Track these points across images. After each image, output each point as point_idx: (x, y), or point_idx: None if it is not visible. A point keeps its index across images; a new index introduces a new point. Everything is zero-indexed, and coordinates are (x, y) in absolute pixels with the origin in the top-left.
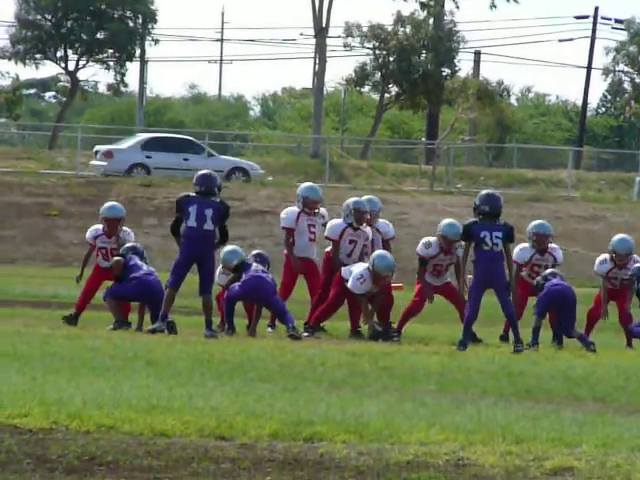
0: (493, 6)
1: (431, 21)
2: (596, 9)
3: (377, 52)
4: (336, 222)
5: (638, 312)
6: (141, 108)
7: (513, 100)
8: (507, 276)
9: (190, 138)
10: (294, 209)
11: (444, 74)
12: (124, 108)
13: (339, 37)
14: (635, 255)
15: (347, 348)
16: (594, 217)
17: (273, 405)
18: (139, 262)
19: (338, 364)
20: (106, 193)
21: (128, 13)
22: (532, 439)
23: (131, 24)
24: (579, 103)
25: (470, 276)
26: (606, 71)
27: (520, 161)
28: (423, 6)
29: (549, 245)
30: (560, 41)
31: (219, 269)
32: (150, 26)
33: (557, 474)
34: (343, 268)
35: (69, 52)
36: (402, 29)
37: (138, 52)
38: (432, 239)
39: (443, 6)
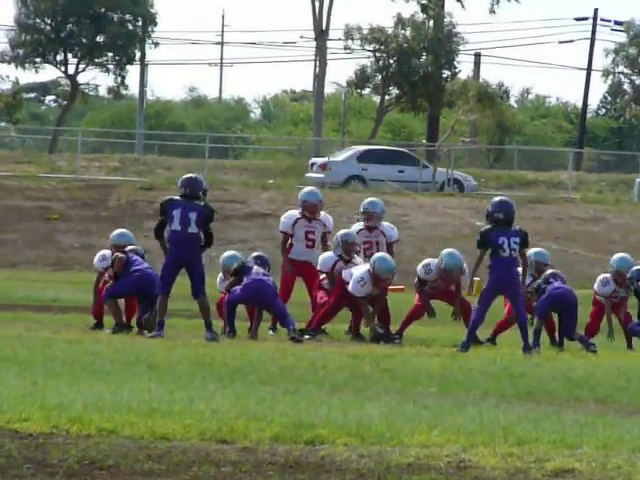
0: (492, 12)
1: (431, 23)
2: (596, 11)
3: (377, 54)
4: (327, 255)
5: (634, 313)
6: (141, 111)
7: (512, 102)
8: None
9: (405, 150)
10: (294, 213)
11: (444, 76)
12: (124, 111)
13: (339, 40)
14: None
15: (348, 350)
16: (594, 219)
17: (274, 408)
18: (140, 259)
19: (339, 367)
20: (106, 196)
21: (128, 16)
22: (533, 441)
23: (131, 27)
24: (579, 105)
25: (477, 278)
26: (606, 73)
27: (520, 163)
28: (424, 8)
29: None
30: (560, 43)
31: (219, 276)
32: (150, 29)
33: (558, 476)
34: (344, 271)
35: (69, 56)
36: (402, 31)
37: (138, 55)
38: (433, 263)
39: (443, 8)
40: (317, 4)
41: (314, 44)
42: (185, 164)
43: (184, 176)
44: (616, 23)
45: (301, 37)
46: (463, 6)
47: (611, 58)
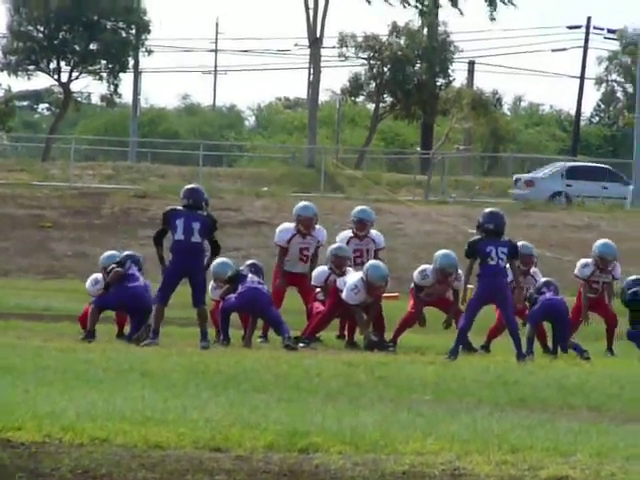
0: (493, 19)
1: (425, 31)
2: (589, 19)
3: (372, 62)
4: (320, 270)
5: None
6: (135, 119)
7: (505, 109)
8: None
9: (608, 167)
10: (290, 228)
11: (438, 84)
12: (118, 119)
13: (334, 47)
14: (616, 262)
15: (343, 358)
16: (588, 226)
17: (268, 416)
18: (137, 273)
19: (334, 374)
20: (100, 204)
21: (121, 24)
22: (527, 448)
23: (124, 35)
24: (572, 113)
25: (471, 286)
26: (599, 81)
27: (515, 170)
28: (422, 13)
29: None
30: (553, 51)
31: (211, 283)
32: (143, 37)
33: None
34: (338, 279)
35: (62, 63)
36: (397, 39)
37: (132, 63)
38: (429, 269)
39: (437, 16)
40: (311, 12)
41: (308, 52)
42: (179, 172)
43: (186, 187)
44: (609, 31)
45: (295, 45)
46: (461, 13)
47: (604, 66)
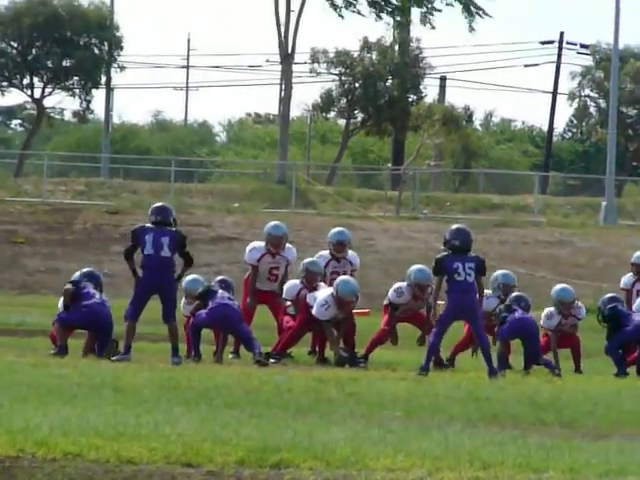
0: (472, 29)
1: (397, 47)
2: (561, 34)
3: (343, 78)
4: (292, 284)
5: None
6: (107, 135)
7: (477, 125)
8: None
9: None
10: (260, 246)
11: (410, 100)
12: (90, 135)
13: (305, 63)
14: (577, 301)
15: (314, 374)
16: (560, 242)
17: (239, 432)
18: (92, 291)
19: (305, 390)
20: (72, 220)
21: (94, 40)
22: (499, 464)
23: (97, 51)
24: (545, 128)
25: (442, 302)
26: (572, 96)
27: (486, 186)
28: (399, 25)
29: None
30: (526, 66)
31: (183, 300)
32: (116, 53)
33: None
34: (308, 295)
35: (35, 79)
36: (368, 55)
37: (104, 79)
38: (403, 286)
39: (409, 33)
40: (282, 28)
41: (280, 67)
42: (151, 188)
43: (155, 205)
44: (582, 46)
45: (267, 61)
46: (433, 27)
47: (577, 81)
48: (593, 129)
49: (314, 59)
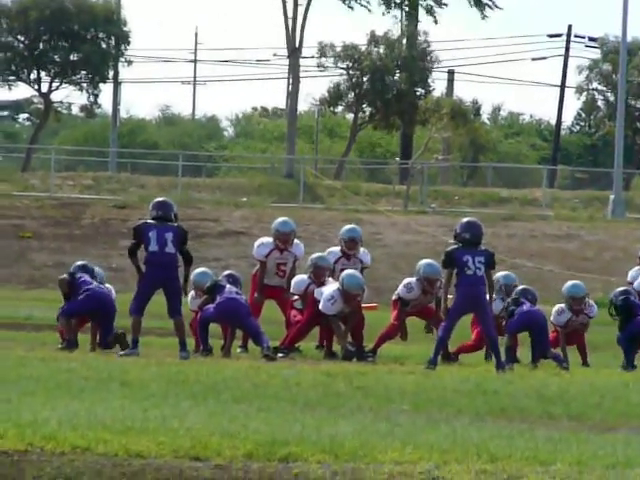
0: (484, 17)
1: (404, 41)
2: (569, 27)
3: (351, 72)
4: (300, 278)
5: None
6: (115, 129)
7: (485, 119)
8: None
9: None
10: (268, 242)
11: (418, 94)
12: (98, 130)
13: (312, 57)
14: (588, 299)
15: (322, 368)
16: (568, 236)
17: (248, 425)
18: (88, 279)
19: (313, 384)
20: (80, 215)
21: (101, 35)
22: (507, 458)
23: (104, 46)
24: (553, 122)
25: (451, 296)
26: (579, 89)
27: (494, 180)
28: (409, 15)
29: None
30: (533, 60)
31: (191, 294)
32: (123, 47)
33: None
34: (315, 289)
35: (42, 74)
36: (376, 49)
37: (111, 73)
38: (413, 281)
39: (417, 26)
40: (290, 22)
41: (287, 62)
42: (158, 182)
43: (155, 200)
44: (590, 39)
45: (274, 55)
46: (436, 21)
47: (585, 75)
48: (601, 122)
49: (322, 53)
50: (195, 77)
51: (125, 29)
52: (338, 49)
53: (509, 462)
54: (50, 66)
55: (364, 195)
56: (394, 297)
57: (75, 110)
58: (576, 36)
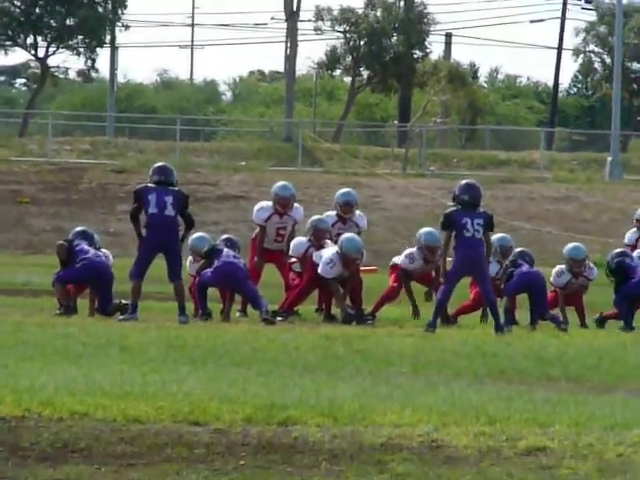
0: None
1: (401, 3)
2: None
3: (348, 35)
4: (299, 241)
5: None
6: (112, 94)
7: (482, 82)
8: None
9: None
10: (267, 206)
11: (415, 56)
12: (95, 94)
13: (310, 21)
14: (588, 261)
15: (321, 332)
16: (566, 198)
17: (247, 390)
18: (85, 247)
19: (312, 348)
20: (78, 180)
21: None
22: (505, 420)
23: (101, 10)
24: (550, 84)
25: (450, 259)
26: (577, 52)
27: (492, 143)
28: None
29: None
30: (531, 22)
31: (189, 258)
32: (120, 12)
33: (530, 454)
34: (314, 253)
35: (39, 39)
36: (372, 12)
37: (108, 38)
38: (414, 251)
39: None
40: None
41: (285, 26)
42: (156, 147)
43: (156, 165)
44: (586, 1)
45: (272, 19)
46: None
47: (582, 37)
48: (598, 84)
49: (319, 17)
50: (193, 41)
51: None
52: (335, 13)
53: (508, 424)
54: (47, 31)
55: (363, 158)
56: (392, 262)
57: (72, 75)
58: None
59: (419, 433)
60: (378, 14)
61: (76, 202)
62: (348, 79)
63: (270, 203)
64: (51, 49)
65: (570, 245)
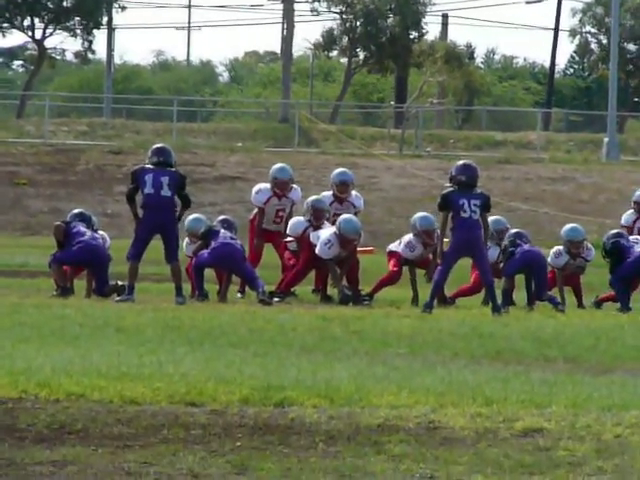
0: None
1: None
2: None
3: (344, 16)
4: (297, 220)
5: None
6: (109, 76)
7: (479, 62)
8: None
9: None
10: (266, 188)
11: (411, 37)
12: (92, 76)
13: (306, 2)
14: (586, 242)
15: (318, 312)
16: (563, 178)
17: (243, 371)
18: (82, 229)
19: (309, 329)
20: (75, 161)
21: None
22: (502, 400)
23: None
24: (547, 65)
25: (447, 240)
26: (573, 33)
27: (489, 124)
28: None
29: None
30: (527, 3)
31: (186, 240)
32: None
33: (527, 435)
34: (312, 233)
35: (36, 20)
36: None
37: (105, 19)
38: (413, 239)
39: None
40: None
41: (281, 7)
42: (153, 128)
43: (155, 145)
44: None
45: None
46: None
47: (578, 18)
48: (595, 65)
49: None
50: (189, 22)
51: None
52: None
53: (505, 405)
54: (44, 12)
55: (359, 139)
56: (389, 249)
57: (69, 56)
58: None
59: (416, 414)
60: None
61: (73, 183)
62: (344, 60)
63: (268, 185)
64: (48, 31)
65: (568, 226)
